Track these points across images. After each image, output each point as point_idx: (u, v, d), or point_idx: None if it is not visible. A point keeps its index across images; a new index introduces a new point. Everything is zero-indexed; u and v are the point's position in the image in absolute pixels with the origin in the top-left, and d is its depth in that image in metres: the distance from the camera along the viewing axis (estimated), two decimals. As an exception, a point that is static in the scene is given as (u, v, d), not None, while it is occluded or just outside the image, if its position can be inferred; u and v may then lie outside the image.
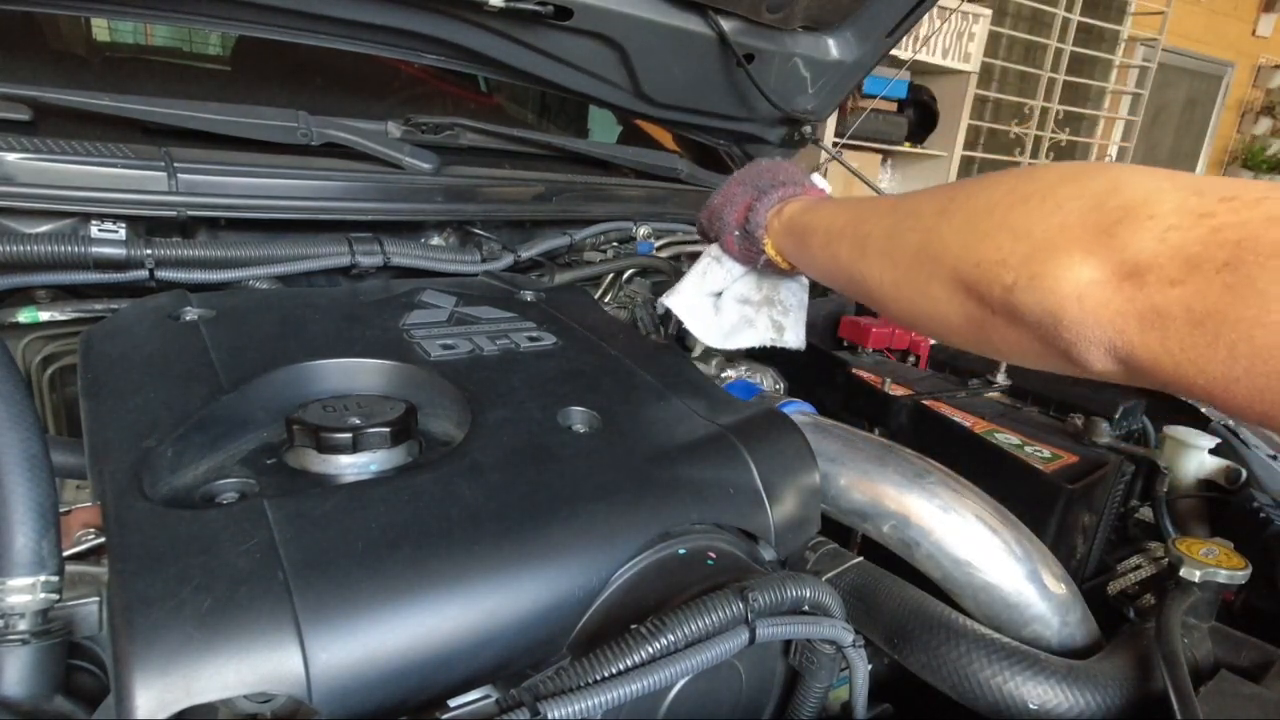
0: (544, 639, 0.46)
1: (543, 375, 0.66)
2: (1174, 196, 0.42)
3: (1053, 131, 5.65)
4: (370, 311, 0.74)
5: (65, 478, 0.66)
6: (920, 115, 4.82)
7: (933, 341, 1.19)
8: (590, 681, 0.40)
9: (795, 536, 0.60)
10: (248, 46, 1.52)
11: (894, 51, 1.37)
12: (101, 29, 1.53)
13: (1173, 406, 0.99)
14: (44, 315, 0.79)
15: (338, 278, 0.99)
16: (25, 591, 0.44)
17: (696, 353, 0.96)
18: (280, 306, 0.73)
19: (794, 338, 0.86)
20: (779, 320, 0.86)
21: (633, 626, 0.43)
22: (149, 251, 0.83)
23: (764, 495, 0.58)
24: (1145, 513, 0.93)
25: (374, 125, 1.14)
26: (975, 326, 0.53)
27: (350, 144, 1.07)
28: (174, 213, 0.88)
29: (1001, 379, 1.05)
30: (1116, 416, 0.91)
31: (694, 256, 1.40)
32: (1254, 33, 6.83)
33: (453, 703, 0.42)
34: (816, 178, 0.84)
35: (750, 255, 0.80)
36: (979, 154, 5.35)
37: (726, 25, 1.16)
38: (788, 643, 0.53)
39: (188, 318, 0.68)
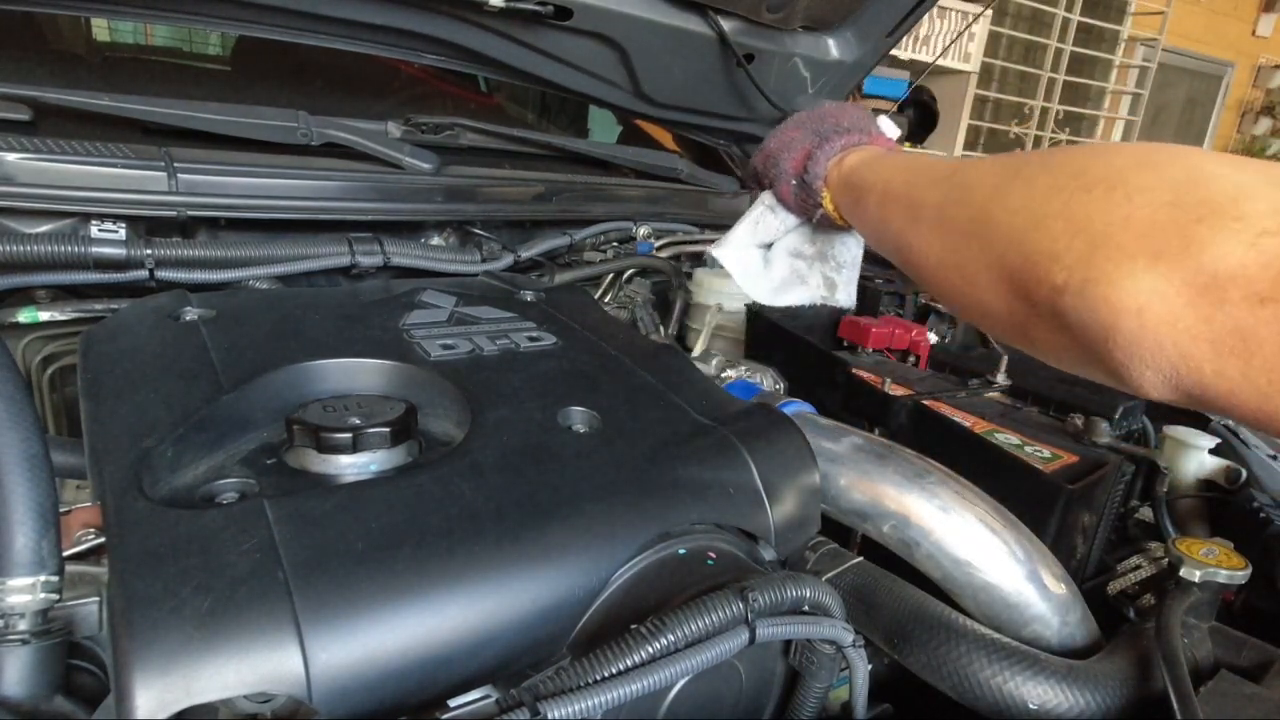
0: (544, 639, 0.46)
1: (543, 375, 0.66)
2: (1269, 194, 0.35)
3: (1053, 131, 5.65)
4: (370, 311, 0.74)
5: (65, 478, 0.66)
6: (920, 115, 4.81)
7: (933, 341, 1.19)
8: (590, 681, 0.40)
9: (795, 536, 0.60)
10: (248, 46, 1.52)
11: (894, 51, 1.37)
12: (101, 29, 1.53)
13: (1173, 407, 0.99)
14: (44, 315, 0.79)
15: (338, 278, 0.99)
16: (25, 591, 0.44)
17: (696, 353, 0.96)
18: (280, 306, 0.73)
19: (845, 297, 0.82)
20: (831, 277, 0.81)
21: (633, 626, 0.43)
22: (149, 251, 0.83)
23: (764, 495, 0.57)
24: (1145, 513, 0.93)
25: (374, 125, 1.14)
26: (1018, 323, 0.48)
27: (350, 144, 1.07)
28: (174, 213, 0.88)
29: (1001, 379, 1.05)
30: (1116, 416, 0.91)
31: (694, 256, 1.41)
32: (1254, 33, 6.83)
33: (453, 703, 0.42)
34: (885, 121, 0.75)
35: (806, 207, 0.74)
36: (979, 154, 5.35)
37: (726, 25, 1.16)
38: (788, 643, 0.53)
39: (188, 318, 0.68)
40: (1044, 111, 5.54)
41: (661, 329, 1.14)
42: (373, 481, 0.49)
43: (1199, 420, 0.97)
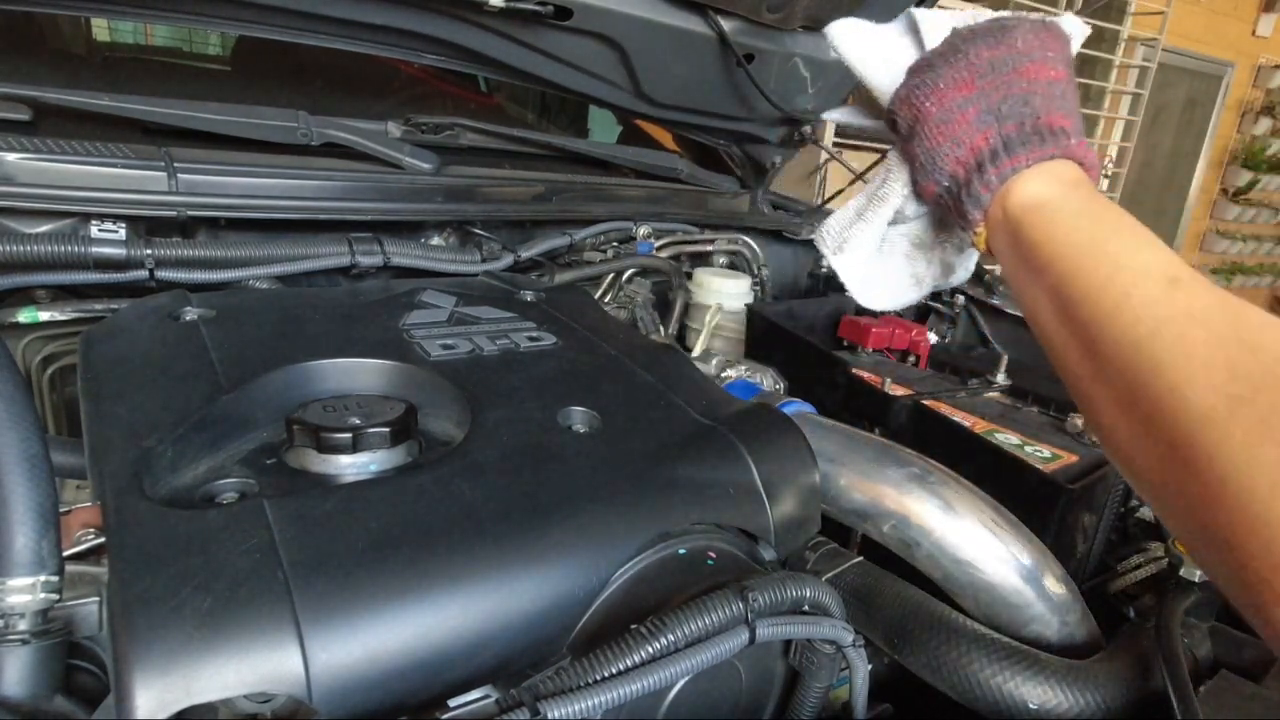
0: (544, 639, 0.46)
1: (543, 375, 0.66)
2: None
3: (1053, 131, 5.63)
4: (370, 311, 0.74)
5: (65, 478, 0.66)
6: (920, 115, 4.81)
7: (933, 341, 1.19)
8: (590, 681, 0.40)
9: (795, 536, 0.60)
10: (248, 46, 1.52)
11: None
12: (101, 29, 1.53)
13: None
14: (44, 315, 0.79)
15: (337, 278, 0.99)
16: (25, 591, 0.44)
17: (696, 353, 0.96)
18: (280, 306, 0.73)
19: (963, 274, 0.66)
20: (950, 261, 0.64)
21: (633, 626, 0.43)
22: (149, 251, 0.83)
23: (764, 495, 0.57)
24: (1145, 513, 0.93)
25: (374, 125, 1.15)
26: (1205, 560, 0.38)
27: (350, 144, 1.07)
28: (174, 213, 0.88)
29: (1001, 379, 1.05)
30: (1116, 416, 0.91)
31: (694, 256, 1.41)
32: (1254, 33, 6.82)
33: (453, 703, 0.42)
34: (1070, 21, 0.55)
35: (946, 217, 0.58)
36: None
37: (726, 25, 1.16)
38: (788, 643, 0.53)
39: (188, 318, 0.68)
40: (1044, 111, 5.52)
41: (661, 329, 1.14)
42: (373, 481, 0.49)
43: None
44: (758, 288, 1.36)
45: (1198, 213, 7.04)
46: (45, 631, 0.44)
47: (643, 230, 1.28)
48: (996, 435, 0.86)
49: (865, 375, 0.97)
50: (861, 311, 1.19)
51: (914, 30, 0.57)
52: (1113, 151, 6.13)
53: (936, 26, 0.56)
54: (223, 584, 0.38)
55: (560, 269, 1.16)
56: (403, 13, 1.02)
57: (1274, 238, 7.36)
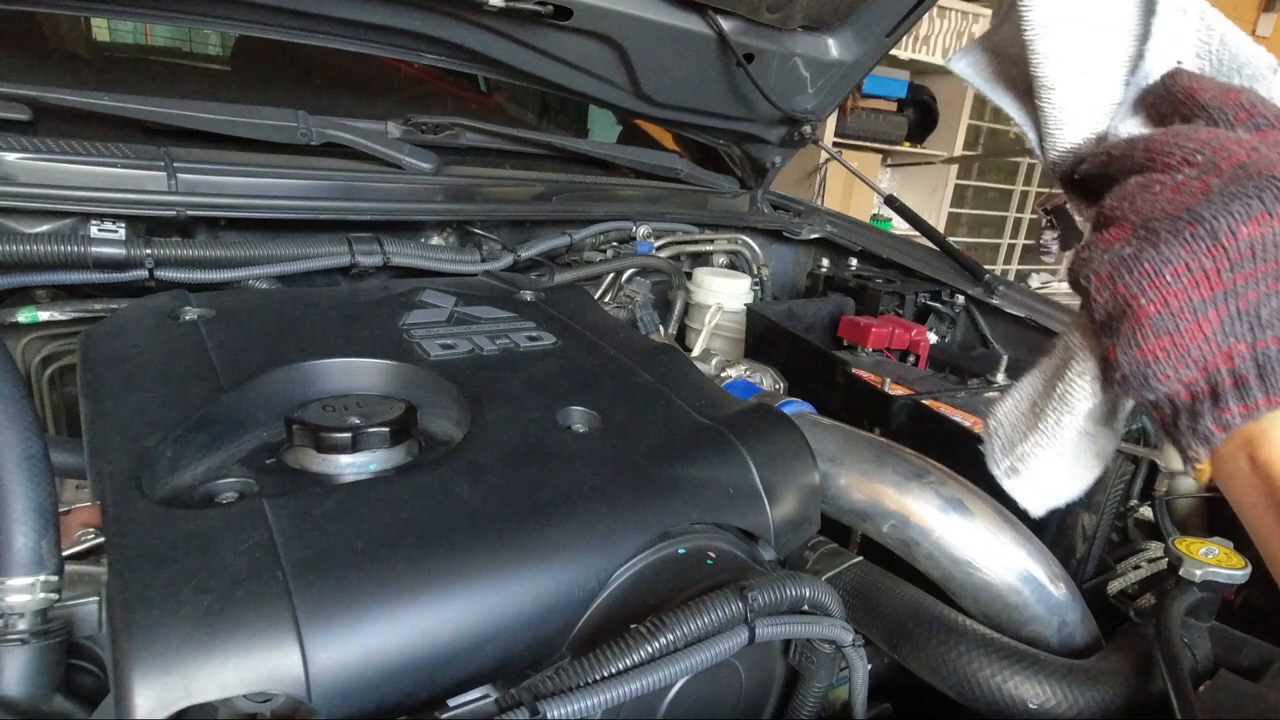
0: (544, 639, 0.46)
1: (542, 375, 0.66)
2: None
3: (1053, 131, 5.63)
4: (370, 311, 0.74)
5: (65, 478, 0.66)
6: (920, 115, 4.81)
7: (933, 341, 1.19)
8: (590, 681, 0.40)
9: (795, 536, 0.60)
10: (248, 46, 1.52)
11: (894, 51, 1.37)
12: (101, 29, 1.53)
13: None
14: (44, 315, 0.79)
15: (337, 278, 0.99)
16: (25, 591, 0.44)
17: (696, 353, 0.96)
18: (280, 306, 0.73)
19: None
20: (1118, 428, 0.47)
21: (632, 626, 0.43)
22: (149, 251, 0.83)
23: (764, 495, 0.57)
24: (1145, 513, 0.93)
25: (374, 125, 1.15)
26: None
27: (350, 144, 1.07)
28: (174, 212, 0.88)
29: (1001, 379, 1.05)
30: (1116, 416, 0.91)
31: (694, 256, 1.41)
32: (1254, 33, 6.83)
33: (452, 702, 0.42)
34: None
35: (1157, 427, 0.45)
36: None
37: (726, 25, 1.16)
38: (787, 642, 0.53)
39: (187, 317, 0.68)
40: (1044, 111, 5.52)
41: (661, 329, 1.14)
42: (372, 481, 0.49)
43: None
44: (757, 288, 1.36)
45: (1198, 213, 7.03)
46: (45, 631, 0.44)
47: (642, 230, 1.28)
48: (996, 435, 0.86)
49: (865, 375, 0.97)
50: (861, 311, 1.19)
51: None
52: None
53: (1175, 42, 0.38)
54: (222, 584, 0.38)
55: (560, 269, 1.16)
56: (403, 13, 1.02)
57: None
